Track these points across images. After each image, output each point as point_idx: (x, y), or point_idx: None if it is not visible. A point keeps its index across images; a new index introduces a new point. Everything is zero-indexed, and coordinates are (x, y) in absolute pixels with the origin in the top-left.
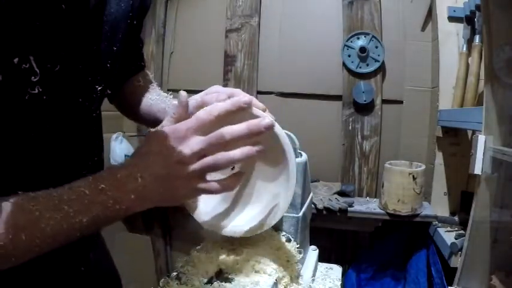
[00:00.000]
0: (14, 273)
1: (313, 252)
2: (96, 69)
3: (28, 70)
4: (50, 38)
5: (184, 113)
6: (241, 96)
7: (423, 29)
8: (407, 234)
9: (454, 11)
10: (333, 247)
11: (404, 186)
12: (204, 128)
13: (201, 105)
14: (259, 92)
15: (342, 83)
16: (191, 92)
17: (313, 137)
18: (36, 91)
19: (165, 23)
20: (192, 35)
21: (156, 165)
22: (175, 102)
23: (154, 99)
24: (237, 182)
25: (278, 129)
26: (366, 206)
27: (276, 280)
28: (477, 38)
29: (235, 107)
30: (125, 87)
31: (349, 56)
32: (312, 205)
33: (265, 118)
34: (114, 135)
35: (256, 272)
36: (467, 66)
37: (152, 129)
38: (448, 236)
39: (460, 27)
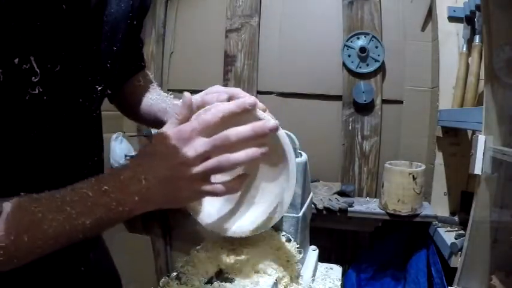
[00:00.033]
0: (14, 273)
1: (313, 252)
2: (96, 69)
3: (28, 70)
4: (50, 38)
5: (189, 114)
6: (246, 98)
7: (423, 29)
8: (407, 234)
9: (454, 11)
10: (333, 247)
11: (404, 186)
12: (209, 130)
13: (201, 105)
14: (259, 92)
15: (342, 83)
16: (191, 92)
17: (313, 137)
18: (37, 91)
19: (165, 23)
20: (192, 35)
21: (160, 167)
22: (176, 102)
23: (155, 99)
24: (242, 184)
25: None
26: (366, 206)
27: (276, 280)
28: (477, 38)
29: (240, 108)
30: (125, 87)
31: (349, 56)
32: (312, 205)
33: (270, 120)
34: (114, 135)
35: (256, 272)
36: (467, 66)
37: (157, 130)
38: (448, 236)
39: (460, 27)
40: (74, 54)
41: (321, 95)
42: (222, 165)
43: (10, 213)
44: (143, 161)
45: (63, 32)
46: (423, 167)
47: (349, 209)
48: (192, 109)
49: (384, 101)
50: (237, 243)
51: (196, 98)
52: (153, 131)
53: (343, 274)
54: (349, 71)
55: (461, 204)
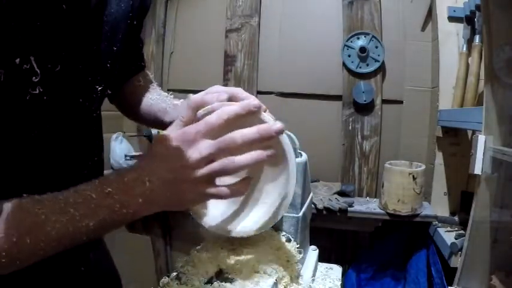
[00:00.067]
0: (14, 273)
1: (313, 252)
2: (96, 69)
3: (29, 70)
4: (50, 38)
5: (193, 116)
6: (250, 100)
7: (423, 29)
8: (407, 234)
9: (454, 11)
10: (333, 247)
11: (404, 186)
12: (213, 132)
13: (201, 105)
14: (259, 92)
15: (342, 83)
16: (191, 92)
17: (313, 137)
18: (37, 91)
19: (165, 23)
20: (192, 35)
21: (164, 169)
22: (176, 102)
23: (155, 98)
24: (247, 187)
25: (268, 119)
26: (366, 206)
27: (276, 280)
28: (477, 38)
29: (245, 110)
30: (125, 87)
31: (349, 56)
32: (312, 205)
33: (277, 123)
34: (114, 135)
35: (256, 272)
36: (467, 66)
37: (161, 132)
38: (448, 236)
39: (460, 27)
40: (74, 54)
41: (321, 95)
42: (227, 168)
43: (12, 215)
44: (147, 163)
45: (63, 32)
46: (423, 167)
47: (349, 209)
48: (197, 111)
49: (384, 101)
50: (237, 243)
51: (197, 97)
52: (153, 131)
53: (343, 274)
54: (349, 71)
55: (461, 204)
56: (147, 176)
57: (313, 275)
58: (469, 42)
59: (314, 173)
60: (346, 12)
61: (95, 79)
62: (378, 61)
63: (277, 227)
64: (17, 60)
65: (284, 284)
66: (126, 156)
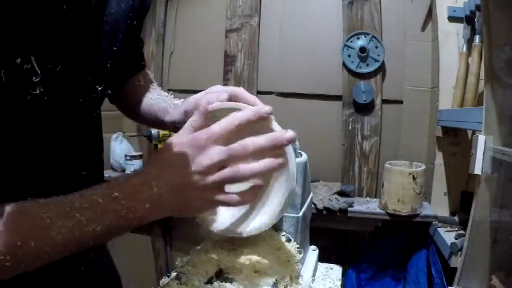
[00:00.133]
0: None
1: (313, 252)
2: (96, 69)
3: (29, 70)
4: (50, 39)
5: (204, 122)
6: (261, 106)
7: (423, 29)
8: (407, 234)
9: (454, 11)
10: (333, 247)
11: (404, 186)
12: (224, 138)
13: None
14: (259, 92)
15: (342, 83)
16: (191, 92)
17: (313, 137)
18: (38, 91)
19: (165, 23)
20: (192, 35)
21: (173, 175)
22: (176, 101)
23: (155, 98)
24: (256, 194)
25: (275, 125)
26: (366, 206)
27: (276, 280)
28: (477, 38)
29: (257, 117)
30: (126, 87)
31: (349, 56)
32: (312, 205)
33: (288, 131)
34: (114, 135)
35: (256, 272)
36: (467, 66)
37: (170, 137)
38: (448, 236)
39: (460, 27)
40: (74, 54)
41: (321, 95)
42: (238, 175)
43: (16, 218)
44: (156, 167)
45: (64, 32)
46: (423, 167)
47: (349, 209)
48: (207, 117)
49: (384, 101)
50: (237, 243)
51: (197, 97)
52: (153, 130)
53: (343, 274)
54: (349, 71)
55: (461, 204)
56: (155, 181)
57: (313, 275)
58: (469, 42)
59: (314, 173)
60: (346, 12)
61: (95, 79)
62: (378, 61)
63: (277, 227)
64: (18, 60)
65: (284, 284)
66: (126, 156)
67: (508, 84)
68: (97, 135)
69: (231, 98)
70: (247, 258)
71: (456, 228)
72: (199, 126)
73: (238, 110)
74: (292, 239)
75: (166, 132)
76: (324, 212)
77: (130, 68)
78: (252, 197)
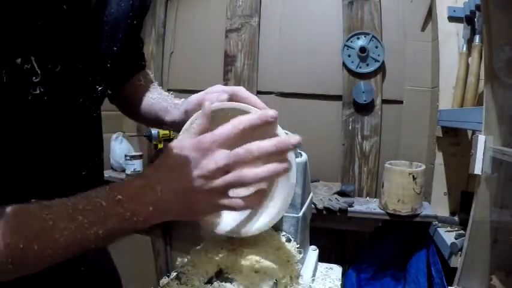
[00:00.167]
0: None
1: (313, 252)
2: (96, 69)
3: (30, 70)
4: (51, 39)
5: (208, 124)
6: (267, 110)
7: (423, 29)
8: (407, 234)
9: (454, 11)
10: (333, 247)
11: (404, 186)
12: (229, 142)
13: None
14: (259, 92)
15: (342, 83)
16: (191, 92)
17: (313, 137)
18: (38, 91)
19: (165, 23)
20: (192, 35)
21: (177, 178)
22: (177, 101)
23: (155, 98)
24: (261, 199)
25: (278, 129)
26: (366, 206)
27: (276, 280)
28: (477, 38)
29: (262, 120)
30: (126, 86)
31: (349, 56)
32: (312, 205)
33: (294, 136)
34: (114, 135)
35: (256, 272)
36: (467, 66)
37: (174, 139)
38: (448, 236)
39: (460, 27)
40: (74, 54)
41: (321, 95)
42: (243, 180)
43: (19, 220)
44: (160, 171)
45: (64, 32)
46: (423, 167)
47: (349, 209)
48: (211, 120)
49: (384, 101)
50: (237, 243)
51: (197, 97)
52: (153, 130)
53: (343, 274)
54: (349, 71)
55: (461, 204)
56: (159, 184)
57: (313, 275)
58: (469, 42)
59: (314, 173)
60: (346, 12)
61: (95, 79)
62: (378, 61)
63: (277, 227)
64: (18, 61)
65: (284, 284)
66: (126, 156)
67: (508, 84)
68: (97, 135)
69: (232, 98)
70: (247, 258)
71: (456, 228)
72: (204, 130)
73: (238, 110)
74: (292, 239)
75: (167, 132)
76: (324, 212)
77: (131, 68)
78: (256, 202)
